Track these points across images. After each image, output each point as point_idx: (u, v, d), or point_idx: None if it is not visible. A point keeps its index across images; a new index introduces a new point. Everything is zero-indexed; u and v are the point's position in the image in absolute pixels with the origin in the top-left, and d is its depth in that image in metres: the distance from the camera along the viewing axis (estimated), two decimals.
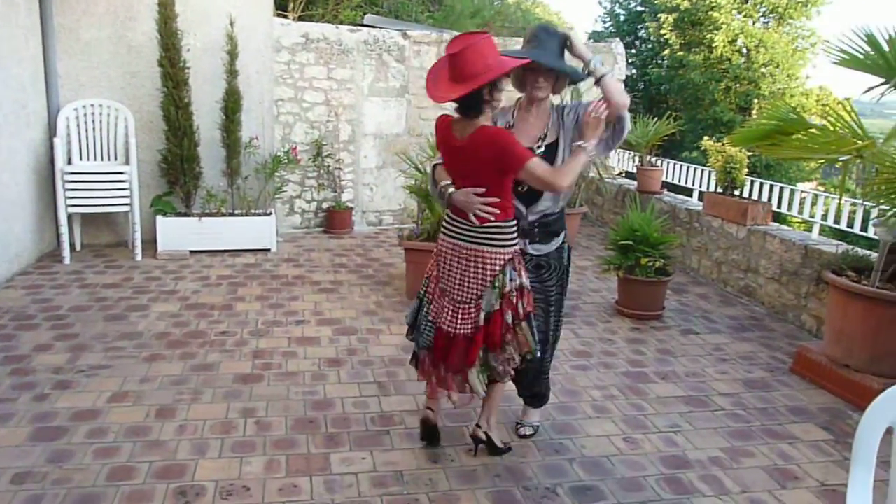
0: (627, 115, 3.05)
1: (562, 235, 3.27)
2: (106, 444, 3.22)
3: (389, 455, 3.23)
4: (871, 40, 3.83)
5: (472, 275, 3.00)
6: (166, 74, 6.37)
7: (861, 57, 3.94)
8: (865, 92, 3.90)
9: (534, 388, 3.47)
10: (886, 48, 3.78)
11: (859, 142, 3.94)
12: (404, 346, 4.56)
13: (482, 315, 2.99)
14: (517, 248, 3.03)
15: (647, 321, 5.26)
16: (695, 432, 3.59)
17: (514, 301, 2.99)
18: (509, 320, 2.98)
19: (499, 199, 2.92)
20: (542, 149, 3.09)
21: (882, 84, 3.89)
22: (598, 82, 3.01)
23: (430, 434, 3.31)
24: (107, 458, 3.10)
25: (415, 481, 3.03)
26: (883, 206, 4.01)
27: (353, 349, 4.50)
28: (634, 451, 3.38)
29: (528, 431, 3.49)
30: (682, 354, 4.66)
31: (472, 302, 3.01)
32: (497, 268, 2.97)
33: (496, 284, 2.97)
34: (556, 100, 3.25)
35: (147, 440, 3.27)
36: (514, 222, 3.01)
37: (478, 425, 3.25)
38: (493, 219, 2.93)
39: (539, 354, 3.15)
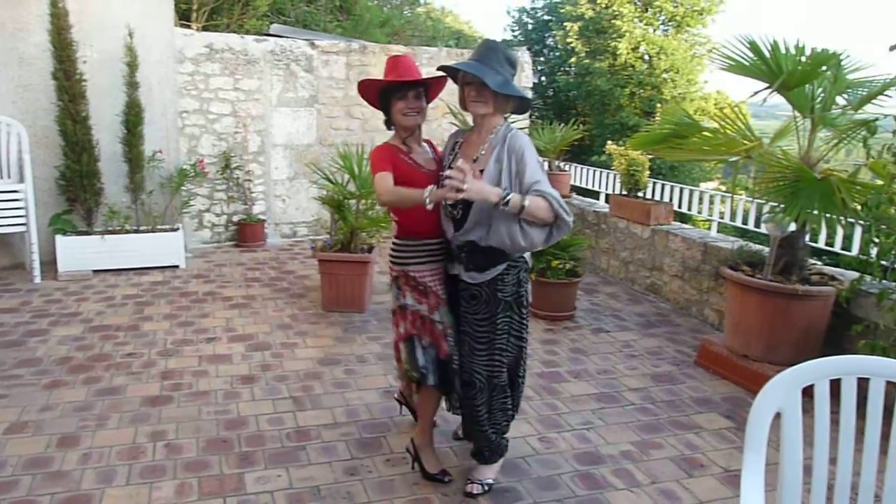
0: (563, 217, 2.75)
1: (499, 268, 2.88)
2: (3, 478, 3.05)
3: (306, 470, 3.18)
4: (753, 47, 4.05)
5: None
6: (61, 87, 6.13)
7: (747, 64, 4.17)
8: (751, 96, 4.12)
9: (474, 439, 3.13)
10: (768, 55, 4.01)
11: (748, 143, 4.17)
12: (320, 359, 4.52)
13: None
14: (407, 269, 3.03)
15: (560, 322, 5.38)
16: (606, 428, 3.70)
17: (396, 319, 3.13)
18: (400, 332, 3.12)
19: (395, 218, 3.11)
20: None
21: (766, 89, 4.12)
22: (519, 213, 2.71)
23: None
24: (4, 493, 2.94)
25: (332, 495, 3.00)
26: (772, 203, 4.24)
27: (267, 365, 4.42)
28: (549, 450, 3.46)
29: (475, 490, 3.02)
30: (594, 353, 4.79)
31: None
32: (391, 279, 3.14)
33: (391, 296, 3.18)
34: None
35: (48, 471, 3.12)
36: (407, 243, 3.04)
37: (412, 438, 3.24)
38: (396, 230, 3.11)
39: (430, 381, 3.00)
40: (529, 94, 2.89)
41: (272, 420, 3.67)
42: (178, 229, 6.75)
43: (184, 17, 10.88)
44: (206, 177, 7.40)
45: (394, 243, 3.09)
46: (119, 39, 6.52)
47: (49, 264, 6.30)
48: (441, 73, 3.07)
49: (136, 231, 6.61)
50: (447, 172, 2.67)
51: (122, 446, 3.35)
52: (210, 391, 4.01)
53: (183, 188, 7.00)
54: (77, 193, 6.35)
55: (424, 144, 3.16)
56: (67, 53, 6.11)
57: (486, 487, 3.05)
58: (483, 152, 2.89)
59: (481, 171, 2.82)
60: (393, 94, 2.99)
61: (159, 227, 6.71)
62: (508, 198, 2.66)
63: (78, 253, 6.30)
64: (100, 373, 4.22)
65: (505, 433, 3.12)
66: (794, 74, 3.98)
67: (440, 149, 3.22)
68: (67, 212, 6.45)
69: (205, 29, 11.03)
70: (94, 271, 6.35)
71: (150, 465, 3.20)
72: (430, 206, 2.72)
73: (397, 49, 8.60)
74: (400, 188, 2.85)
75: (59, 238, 6.26)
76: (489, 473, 3.10)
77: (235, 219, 7.83)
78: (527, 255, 3.00)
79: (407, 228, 3.05)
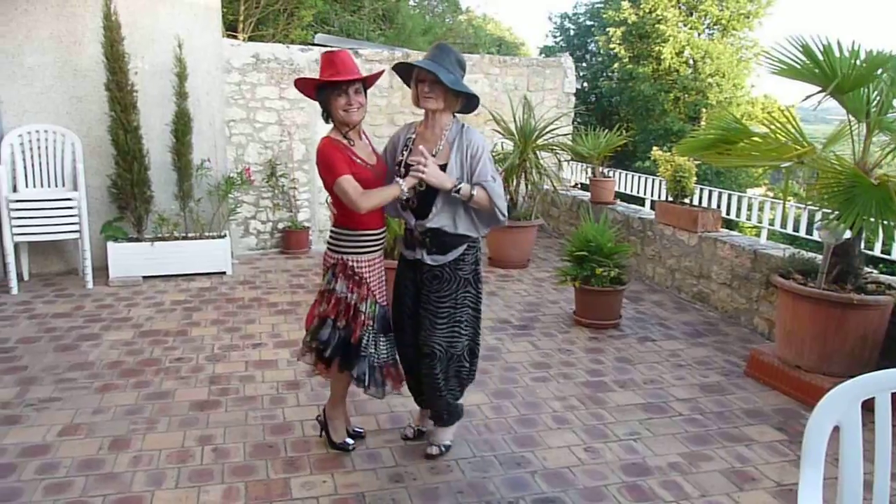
0: (496, 215, 3.17)
1: (460, 249, 3.20)
2: (57, 479, 3.12)
3: (351, 477, 3.19)
4: (806, 50, 3.95)
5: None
6: (114, 98, 6.28)
7: (798, 67, 4.07)
8: (804, 100, 4.02)
9: (432, 404, 3.41)
10: (821, 58, 3.91)
11: (799, 148, 4.06)
12: None
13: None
14: (345, 259, 3.15)
15: (604, 330, 5.32)
16: (654, 439, 3.64)
17: (319, 298, 3.25)
18: (319, 311, 3.24)
19: (335, 210, 3.20)
20: None
21: (819, 92, 4.01)
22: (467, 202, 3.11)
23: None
24: (58, 494, 3.01)
25: (377, 502, 3.00)
26: (825, 210, 4.13)
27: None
28: (595, 460, 3.41)
29: (433, 451, 3.39)
30: (640, 362, 4.72)
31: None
32: (327, 265, 3.23)
33: (322, 280, 3.27)
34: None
35: (100, 473, 3.18)
36: (346, 232, 3.15)
37: (324, 408, 3.51)
38: (333, 219, 3.23)
39: (326, 354, 3.18)
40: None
41: (317, 426, 3.69)
42: (225, 236, 6.87)
43: (231, 28, 11.11)
44: (252, 184, 7.52)
45: (332, 231, 3.21)
46: (169, 51, 6.67)
47: (101, 270, 6.46)
48: (379, 70, 3.38)
49: (185, 238, 6.74)
50: (412, 158, 3.02)
51: (171, 450, 3.41)
52: (256, 396, 4.06)
53: (230, 196, 7.12)
54: (128, 201, 6.51)
55: (364, 137, 3.26)
56: (120, 65, 6.27)
57: (444, 448, 3.41)
58: (441, 148, 3.15)
59: (443, 166, 3.09)
60: (332, 90, 3.03)
61: (207, 234, 6.84)
62: (460, 186, 3.06)
63: (128, 259, 6.45)
64: (149, 377, 4.31)
65: (459, 398, 3.42)
66: (849, 77, 3.87)
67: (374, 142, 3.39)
68: (118, 219, 6.61)
69: (251, 39, 11.25)
70: (144, 277, 6.49)
71: (199, 468, 3.24)
72: (408, 195, 3.08)
73: None
74: (373, 191, 3.03)
75: (110, 245, 6.42)
76: (446, 436, 3.45)
77: (281, 226, 7.94)
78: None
79: (347, 218, 3.14)
